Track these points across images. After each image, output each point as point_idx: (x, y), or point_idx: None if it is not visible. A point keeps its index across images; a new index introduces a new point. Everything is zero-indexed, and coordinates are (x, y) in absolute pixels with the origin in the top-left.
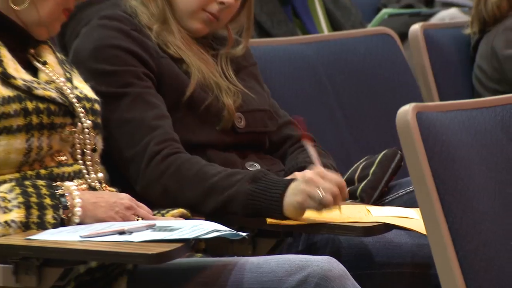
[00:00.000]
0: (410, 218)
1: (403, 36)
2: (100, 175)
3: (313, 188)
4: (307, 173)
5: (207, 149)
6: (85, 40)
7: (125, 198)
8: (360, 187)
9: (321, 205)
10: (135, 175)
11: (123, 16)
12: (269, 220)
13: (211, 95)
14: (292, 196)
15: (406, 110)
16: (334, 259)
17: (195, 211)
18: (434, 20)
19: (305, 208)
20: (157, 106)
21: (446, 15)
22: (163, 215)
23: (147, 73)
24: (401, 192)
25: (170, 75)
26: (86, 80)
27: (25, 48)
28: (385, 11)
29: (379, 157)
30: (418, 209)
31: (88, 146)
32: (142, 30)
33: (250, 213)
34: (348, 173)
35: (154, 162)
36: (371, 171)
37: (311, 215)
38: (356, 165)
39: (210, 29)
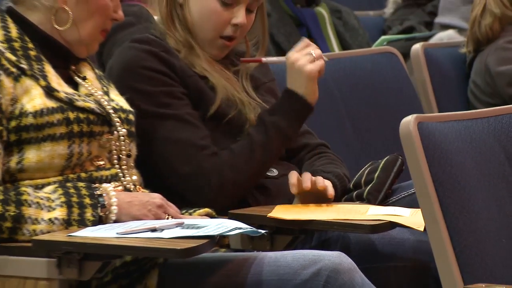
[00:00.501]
0: (401, 216)
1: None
2: (135, 178)
3: (303, 59)
4: (289, 59)
5: None
6: (117, 60)
7: (157, 198)
8: (367, 189)
9: (318, 58)
10: (196, 191)
11: (152, 39)
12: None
13: (235, 110)
14: (299, 82)
15: (409, 121)
16: (344, 254)
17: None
18: (434, 40)
19: (315, 77)
20: (199, 127)
21: (445, 36)
22: (190, 214)
23: (182, 91)
24: (404, 194)
25: (196, 93)
26: (122, 94)
27: (67, 65)
28: (383, 38)
29: (382, 162)
30: (411, 209)
31: (124, 152)
32: (170, 51)
33: (297, 127)
34: (355, 178)
35: (212, 176)
36: (376, 175)
37: (319, 214)
38: (362, 170)
39: (228, 50)
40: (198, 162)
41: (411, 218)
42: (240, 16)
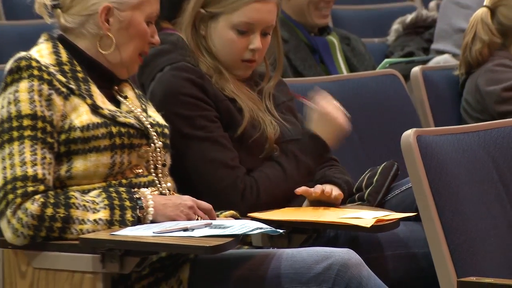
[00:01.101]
0: (361, 218)
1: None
2: (169, 184)
3: (340, 117)
4: (323, 108)
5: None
6: (159, 86)
7: (188, 200)
8: (367, 192)
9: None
10: (230, 203)
11: (189, 66)
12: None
13: (258, 131)
14: (330, 133)
15: (409, 134)
16: (352, 251)
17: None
18: (432, 63)
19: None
20: (230, 148)
21: (441, 60)
22: (217, 215)
23: (216, 115)
24: (397, 192)
25: (227, 116)
26: (164, 116)
27: (111, 85)
28: (386, 61)
29: (380, 168)
30: (382, 212)
31: (159, 161)
32: (204, 76)
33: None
34: (357, 182)
35: (246, 194)
36: (375, 179)
37: (314, 215)
38: (363, 175)
39: (252, 69)
40: (232, 181)
41: (365, 220)
42: (255, 42)
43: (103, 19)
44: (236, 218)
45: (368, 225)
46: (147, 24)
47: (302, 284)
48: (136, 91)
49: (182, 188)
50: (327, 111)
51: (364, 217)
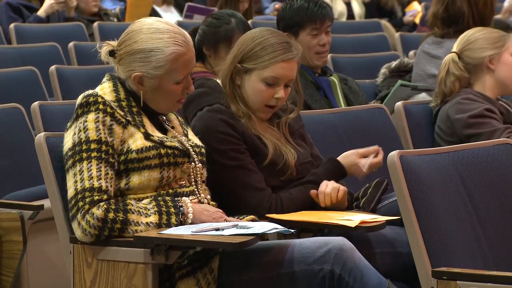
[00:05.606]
0: (351, 220)
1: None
2: (208, 196)
3: (366, 168)
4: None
5: (275, 190)
6: (199, 123)
7: (219, 211)
8: (362, 201)
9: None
10: (258, 212)
11: (223, 109)
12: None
13: (282, 160)
14: (353, 170)
15: (393, 154)
16: (346, 239)
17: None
18: (412, 99)
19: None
20: (257, 172)
21: (420, 96)
22: (241, 219)
23: (245, 147)
24: (386, 202)
25: (253, 148)
26: (206, 147)
27: (157, 117)
28: (399, 81)
29: (374, 182)
30: (371, 215)
31: (198, 175)
32: (235, 117)
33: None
34: (356, 194)
35: (272, 211)
36: (369, 191)
37: (312, 217)
38: (360, 189)
39: (271, 113)
40: (260, 200)
41: (352, 221)
42: (279, 92)
43: (136, 82)
44: (255, 221)
45: (353, 226)
46: (182, 79)
47: (308, 264)
48: (180, 119)
49: (220, 206)
50: (363, 164)
51: (354, 219)
